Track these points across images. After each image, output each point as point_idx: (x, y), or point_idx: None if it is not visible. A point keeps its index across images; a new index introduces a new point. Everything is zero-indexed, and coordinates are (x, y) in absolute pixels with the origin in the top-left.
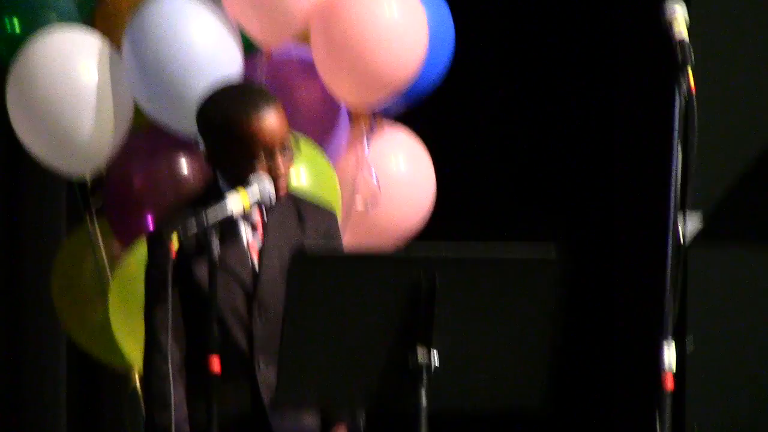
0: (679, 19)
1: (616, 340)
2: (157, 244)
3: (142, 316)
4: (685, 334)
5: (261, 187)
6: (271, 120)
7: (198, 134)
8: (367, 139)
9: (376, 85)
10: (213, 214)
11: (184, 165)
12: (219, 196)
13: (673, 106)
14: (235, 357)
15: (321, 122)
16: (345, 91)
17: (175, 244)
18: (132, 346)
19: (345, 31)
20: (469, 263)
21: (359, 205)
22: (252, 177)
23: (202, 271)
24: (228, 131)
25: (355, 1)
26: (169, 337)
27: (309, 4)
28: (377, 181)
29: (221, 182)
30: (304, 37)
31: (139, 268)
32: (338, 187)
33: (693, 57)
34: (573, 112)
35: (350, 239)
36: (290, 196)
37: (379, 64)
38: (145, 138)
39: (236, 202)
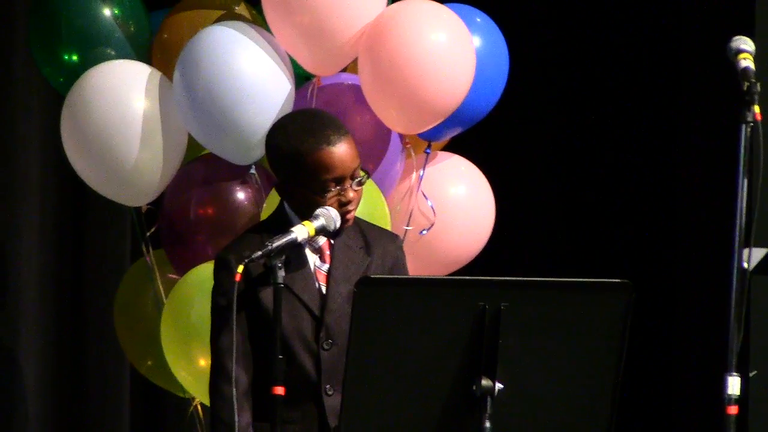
0: (745, 51)
1: (678, 371)
2: (223, 270)
3: (193, 341)
4: (749, 365)
5: (327, 219)
6: (341, 151)
7: (253, 164)
8: (422, 165)
9: (423, 112)
10: (278, 241)
11: (239, 193)
12: (286, 225)
13: (738, 136)
14: (302, 382)
15: (373, 149)
16: (393, 118)
17: (240, 270)
18: (184, 370)
19: (392, 59)
20: (538, 287)
21: (413, 231)
22: (319, 210)
23: (268, 297)
24: (298, 163)
25: (402, 29)
26: (234, 361)
27: (356, 33)
28: (433, 208)
29: (289, 211)
30: (356, 67)
31: (191, 295)
32: (388, 213)
33: (759, 86)
34: (635, 141)
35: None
36: (355, 222)
37: (426, 91)
38: (201, 167)
39: (302, 230)
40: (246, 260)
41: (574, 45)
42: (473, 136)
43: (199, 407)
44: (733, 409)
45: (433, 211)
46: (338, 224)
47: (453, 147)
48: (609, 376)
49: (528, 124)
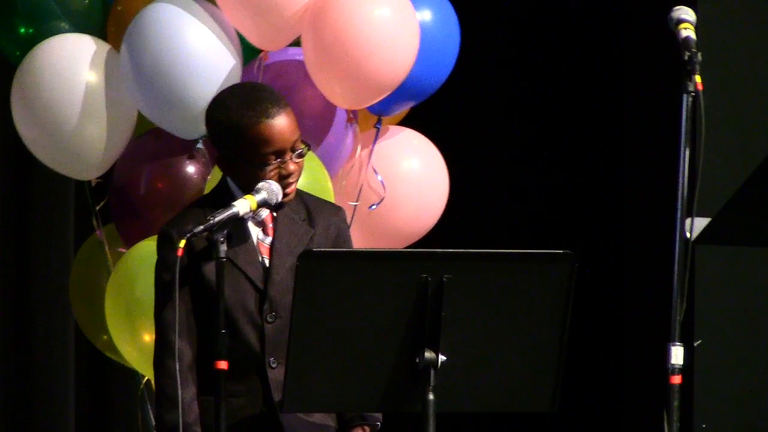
0: (686, 21)
1: (624, 341)
2: (165, 244)
3: (138, 316)
4: (693, 334)
5: (269, 192)
6: (281, 124)
7: (200, 138)
8: (373, 140)
9: (366, 87)
10: (220, 215)
11: (188, 167)
12: (228, 199)
13: (680, 105)
14: (246, 355)
15: (322, 124)
16: (336, 93)
17: (182, 245)
18: (128, 345)
19: (334, 34)
20: (480, 259)
21: (363, 206)
22: (261, 184)
23: (211, 271)
24: (238, 137)
25: (345, 4)
26: (177, 336)
27: (301, 8)
28: (383, 182)
29: (231, 185)
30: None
31: (135, 269)
32: (331, 187)
33: (700, 56)
34: (580, 113)
35: (359, 240)
36: (298, 194)
37: (368, 66)
38: (150, 140)
39: (243, 203)
40: (188, 234)
41: (525, 17)
42: (428, 110)
43: (152, 382)
44: (676, 379)
45: (383, 185)
46: (280, 197)
47: (407, 121)
48: (553, 347)
49: (482, 97)
